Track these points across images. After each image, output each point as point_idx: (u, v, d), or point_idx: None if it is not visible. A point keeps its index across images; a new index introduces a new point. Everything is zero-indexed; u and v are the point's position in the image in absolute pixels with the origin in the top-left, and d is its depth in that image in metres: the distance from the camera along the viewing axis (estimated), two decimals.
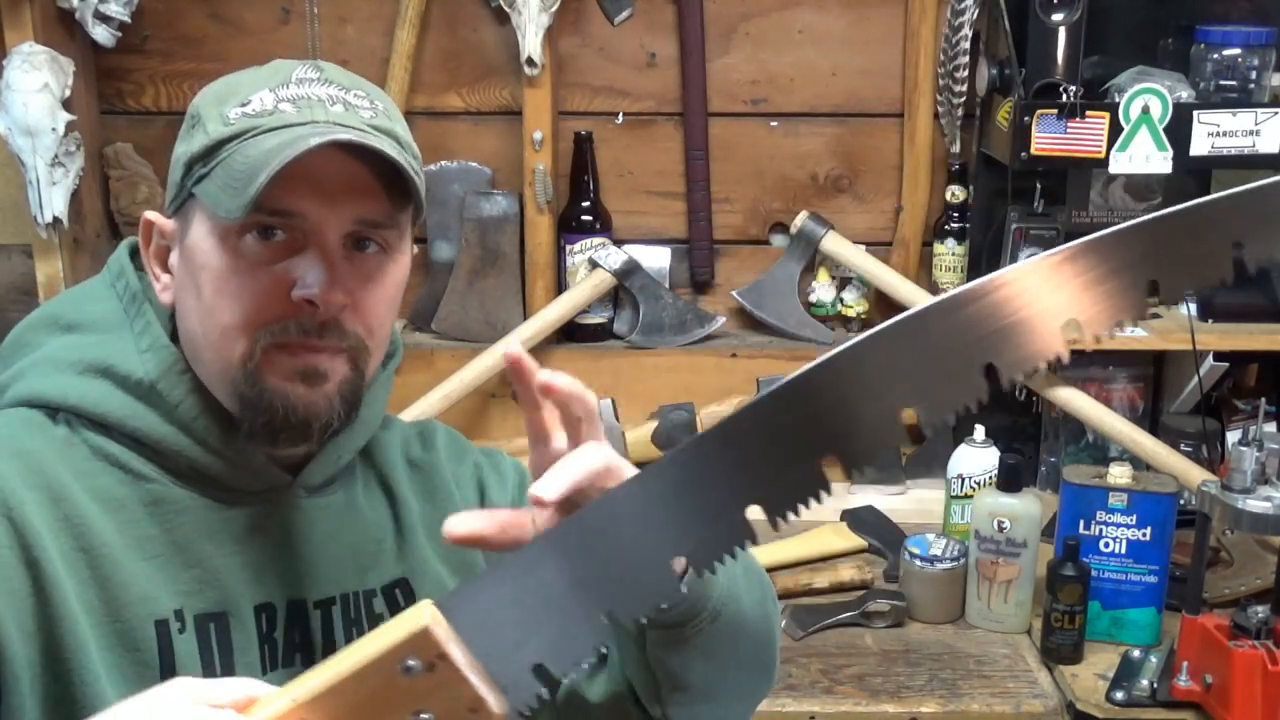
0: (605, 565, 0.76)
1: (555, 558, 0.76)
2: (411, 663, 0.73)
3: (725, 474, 0.79)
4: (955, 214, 2.20)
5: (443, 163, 2.21)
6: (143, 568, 0.97)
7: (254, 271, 0.97)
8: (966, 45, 2.08)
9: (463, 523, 0.87)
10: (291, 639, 1.04)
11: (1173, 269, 0.76)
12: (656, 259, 2.23)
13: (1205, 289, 0.81)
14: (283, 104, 0.97)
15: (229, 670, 1.00)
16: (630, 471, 0.86)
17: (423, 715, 0.74)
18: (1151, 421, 2.18)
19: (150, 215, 1.03)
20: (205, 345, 1.00)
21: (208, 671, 0.98)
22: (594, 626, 0.76)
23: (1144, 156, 1.90)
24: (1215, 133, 1.88)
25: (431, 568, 1.12)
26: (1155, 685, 1.63)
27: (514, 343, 1.11)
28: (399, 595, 1.10)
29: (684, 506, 0.78)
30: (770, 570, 1.93)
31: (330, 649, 1.05)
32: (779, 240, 2.26)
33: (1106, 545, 1.73)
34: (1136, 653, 1.71)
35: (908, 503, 2.17)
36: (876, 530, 2.05)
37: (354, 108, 0.99)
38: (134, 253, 1.08)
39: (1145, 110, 1.88)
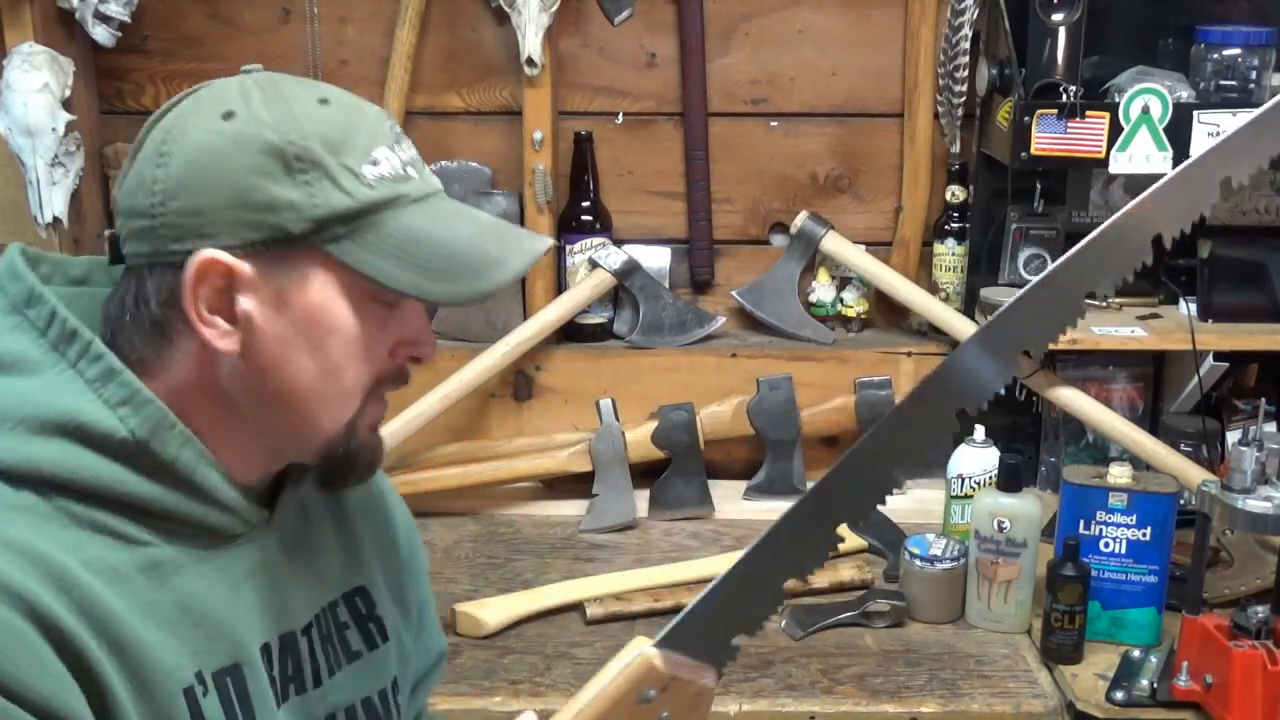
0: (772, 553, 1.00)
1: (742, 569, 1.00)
2: (650, 693, 0.96)
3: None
4: (955, 214, 2.20)
5: (443, 163, 2.21)
6: (158, 639, 0.93)
7: (380, 335, 1.00)
8: (966, 45, 2.08)
9: None
10: (285, 671, 1.05)
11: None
12: (656, 259, 2.23)
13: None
14: (408, 167, 0.98)
15: (250, 713, 0.99)
16: None
17: (663, 714, 0.97)
18: (1151, 421, 2.18)
19: (218, 255, 0.93)
20: (312, 403, 0.99)
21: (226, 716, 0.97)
22: (774, 596, 1.01)
23: (1144, 156, 1.90)
24: (1215, 133, 1.88)
25: (375, 574, 1.15)
26: (1155, 685, 1.63)
27: None
28: (359, 603, 1.12)
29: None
30: None
31: (316, 670, 1.07)
32: (779, 240, 2.26)
33: (1106, 545, 1.73)
34: (1136, 653, 1.71)
35: (908, 503, 2.16)
36: (876, 530, 2.05)
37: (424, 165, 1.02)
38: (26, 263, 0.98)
39: (1145, 110, 1.88)
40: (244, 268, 0.93)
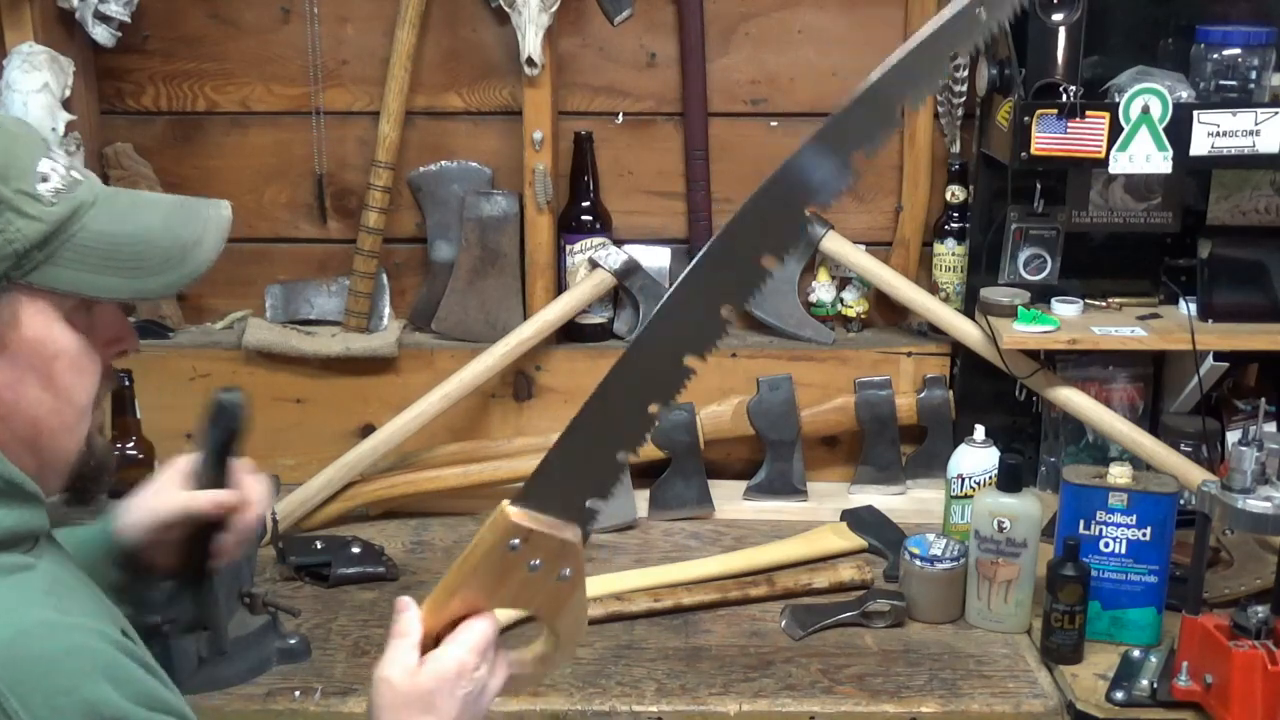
0: (607, 421, 1.12)
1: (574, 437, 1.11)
2: (514, 542, 1.07)
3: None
4: (955, 214, 2.20)
5: (443, 163, 2.21)
6: (105, 625, 0.97)
7: (91, 341, 1.00)
8: None
9: None
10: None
11: None
12: (656, 259, 2.23)
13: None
14: (72, 170, 0.99)
15: (167, 653, 1.08)
16: None
17: (533, 563, 1.09)
18: (1151, 421, 2.18)
19: None
20: (58, 432, 1.00)
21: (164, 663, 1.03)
22: (611, 466, 1.10)
23: (1144, 156, 1.90)
24: (1215, 133, 1.88)
25: None
26: (1155, 685, 1.63)
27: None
28: None
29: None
30: (770, 570, 1.94)
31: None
32: None
33: (1106, 545, 1.73)
34: (1136, 653, 1.71)
35: (908, 503, 2.17)
36: (876, 530, 2.06)
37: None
38: None
39: (1145, 110, 1.88)
40: None
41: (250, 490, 1.26)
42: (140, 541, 1.24)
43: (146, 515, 1.24)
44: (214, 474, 1.25)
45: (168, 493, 1.26)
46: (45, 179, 0.96)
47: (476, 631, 1.07)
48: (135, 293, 1.00)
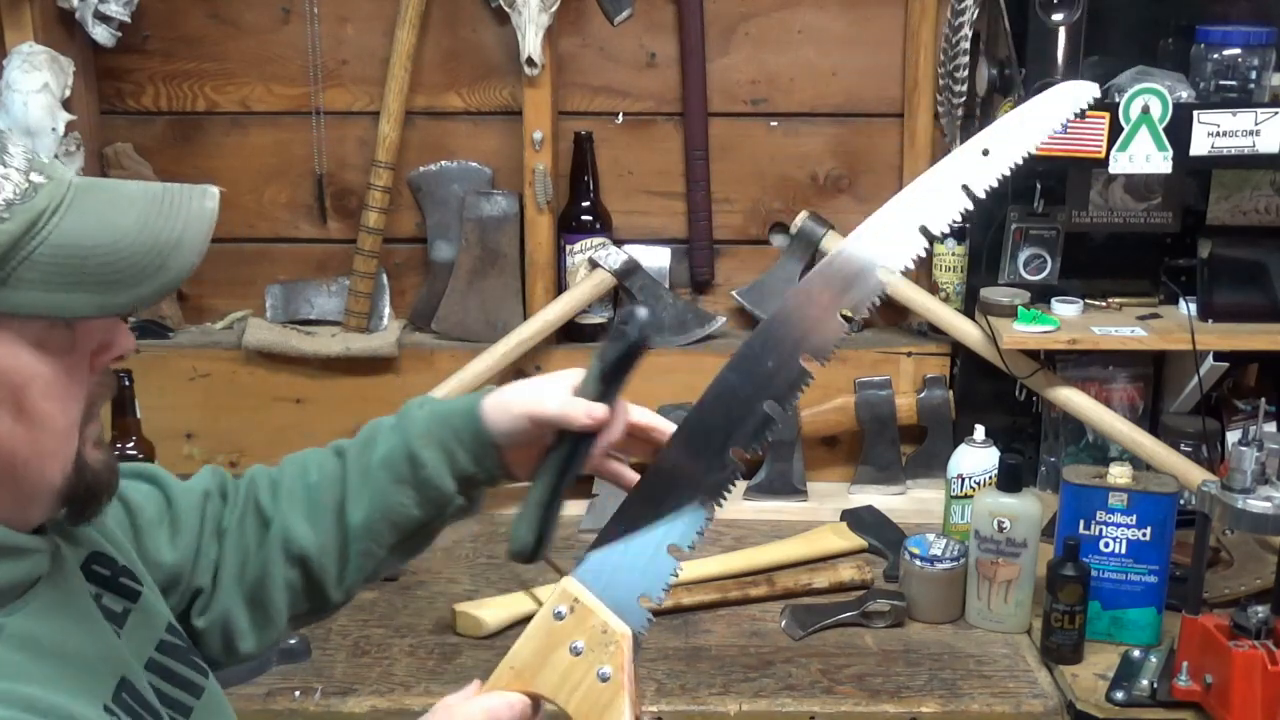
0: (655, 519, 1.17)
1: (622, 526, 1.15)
2: (560, 609, 1.09)
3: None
4: None
5: (443, 163, 2.21)
6: (67, 699, 0.89)
7: (73, 358, 0.91)
8: (966, 45, 2.08)
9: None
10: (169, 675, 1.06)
11: None
12: (656, 259, 2.23)
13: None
14: (31, 173, 0.88)
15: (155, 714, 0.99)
16: None
17: (575, 644, 1.10)
18: (1151, 421, 2.18)
19: None
20: (34, 461, 0.91)
21: None
22: (663, 566, 1.13)
23: (1144, 156, 1.90)
24: (1215, 133, 1.88)
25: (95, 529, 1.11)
26: (1155, 685, 1.63)
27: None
28: (99, 569, 1.08)
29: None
30: (770, 570, 1.94)
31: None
32: (779, 240, 2.26)
33: (1106, 545, 1.73)
34: (1136, 653, 1.71)
35: (908, 503, 2.17)
36: (876, 530, 2.05)
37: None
38: None
39: (1145, 110, 1.88)
40: None
41: (628, 415, 1.25)
42: (503, 433, 1.21)
43: (520, 408, 1.21)
44: (599, 389, 1.24)
45: (549, 392, 1.21)
46: None
47: (501, 700, 1.07)
48: (106, 308, 0.88)
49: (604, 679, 1.12)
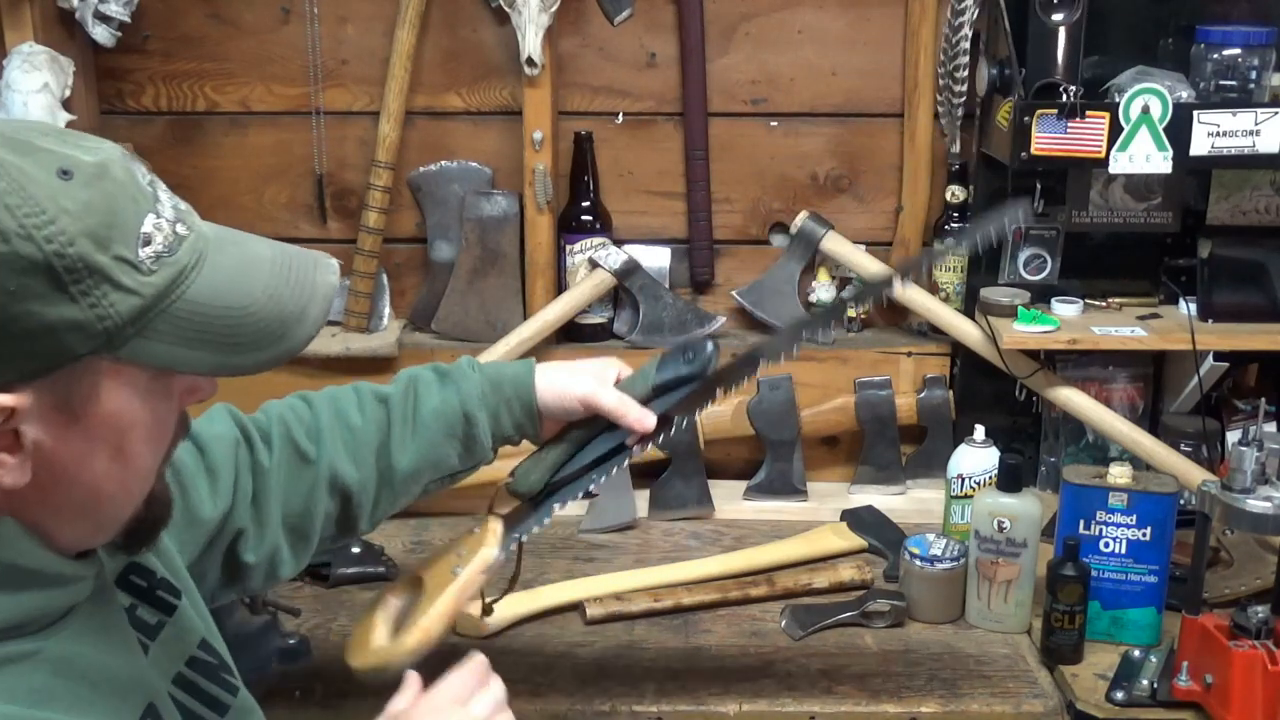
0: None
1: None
2: (475, 528, 1.39)
3: None
4: (955, 214, 2.20)
5: (443, 163, 2.21)
6: None
7: (169, 404, 0.94)
8: (966, 45, 2.08)
9: None
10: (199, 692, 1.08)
11: None
12: (656, 259, 2.23)
13: None
14: (177, 225, 0.89)
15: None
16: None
17: (460, 550, 1.35)
18: (1151, 421, 2.18)
19: (2, 399, 0.84)
20: (119, 498, 0.94)
21: None
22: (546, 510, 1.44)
23: (1144, 156, 1.90)
24: (1215, 133, 1.88)
25: None
26: (1155, 685, 1.63)
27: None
28: (135, 580, 1.10)
29: None
30: (770, 570, 1.94)
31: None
32: (779, 240, 2.26)
33: (1106, 545, 1.73)
34: (1136, 653, 1.71)
35: (908, 503, 2.17)
36: (876, 530, 2.06)
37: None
38: None
39: (1145, 110, 1.88)
40: (24, 401, 0.84)
41: (643, 424, 1.37)
42: (550, 409, 1.40)
43: (578, 393, 1.38)
44: (648, 396, 1.38)
45: (587, 375, 1.40)
46: (148, 241, 0.86)
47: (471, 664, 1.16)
48: (225, 369, 0.91)
49: (454, 574, 1.34)
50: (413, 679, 1.13)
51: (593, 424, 1.40)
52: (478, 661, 1.16)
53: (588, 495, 1.45)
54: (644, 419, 1.37)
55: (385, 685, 1.42)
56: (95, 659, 0.94)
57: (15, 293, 0.81)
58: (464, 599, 1.36)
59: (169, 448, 0.97)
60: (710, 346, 1.40)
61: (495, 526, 1.42)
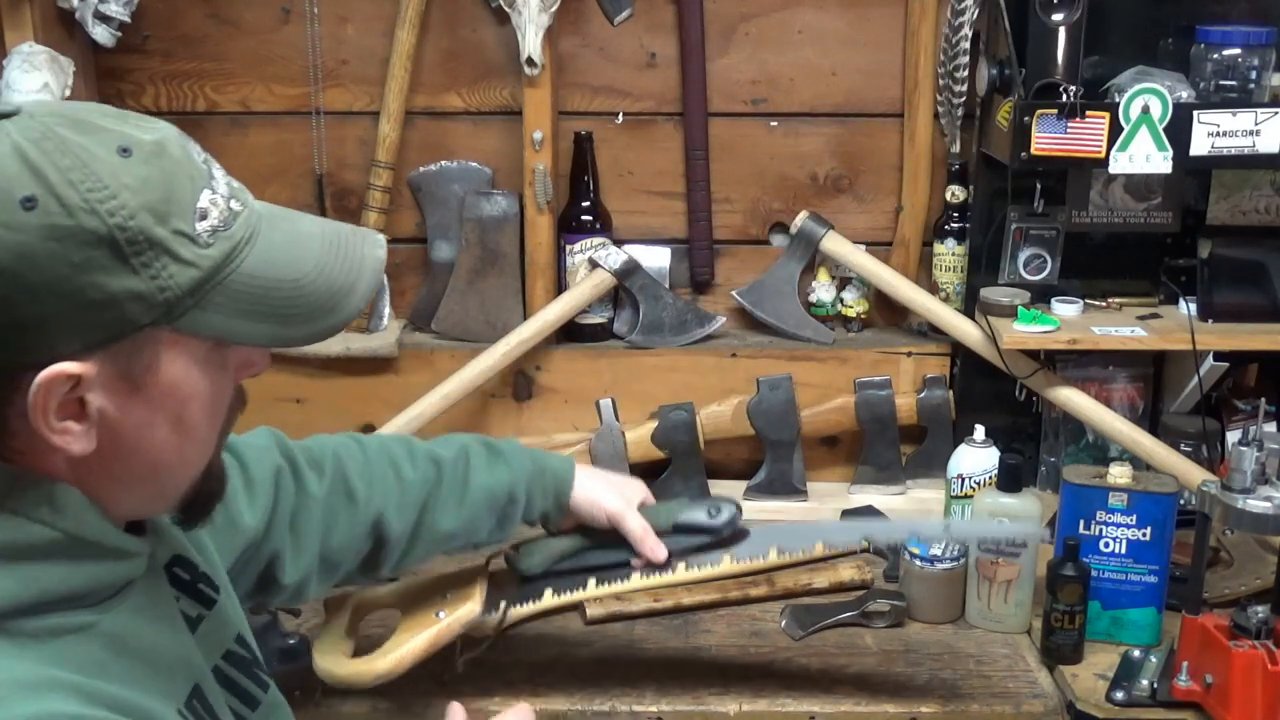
0: None
1: None
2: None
3: None
4: (955, 214, 2.20)
5: (443, 163, 2.21)
6: (147, 701, 0.92)
7: (225, 376, 0.97)
8: (966, 45, 2.08)
9: None
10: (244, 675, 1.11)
11: None
12: (656, 259, 2.23)
13: None
14: (231, 201, 0.93)
15: None
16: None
17: (447, 593, 1.53)
18: (1151, 421, 2.18)
19: (60, 369, 0.86)
20: (177, 469, 0.97)
21: None
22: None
23: (1144, 156, 1.90)
24: (1215, 133, 1.88)
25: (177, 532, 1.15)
26: (1155, 685, 1.63)
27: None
28: (181, 572, 1.12)
29: None
30: (770, 570, 1.94)
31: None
32: (779, 240, 2.26)
33: (1106, 545, 1.73)
34: (1136, 653, 1.71)
35: (908, 503, 2.17)
36: None
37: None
38: None
39: (1145, 110, 1.88)
40: (89, 369, 0.87)
41: (655, 555, 1.52)
42: (579, 512, 1.52)
43: (608, 508, 1.51)
44: (661, 524, 1.52)
45: (618, 493, 1.54)
46: (204, 215, 0.90)
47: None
48: (279, 340, 0.95)
49: (437, 617, 1.50)
50: (457, 711, 1.20)
51: (606, 533, 1.53)
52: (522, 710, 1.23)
53: (570, 593, 1.58)
54: (657, 551, 1.51)
55: (378, 688, 1.51)
56: (147, 637, 0.96)
57: (80, 264, 0.84)
58: (439, 644, 1.49)
59: (226, 421, 1.00)
60: (734, 511, 1.54)
61: (483, 585, 1.55)
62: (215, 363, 0.95)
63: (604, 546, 1.53)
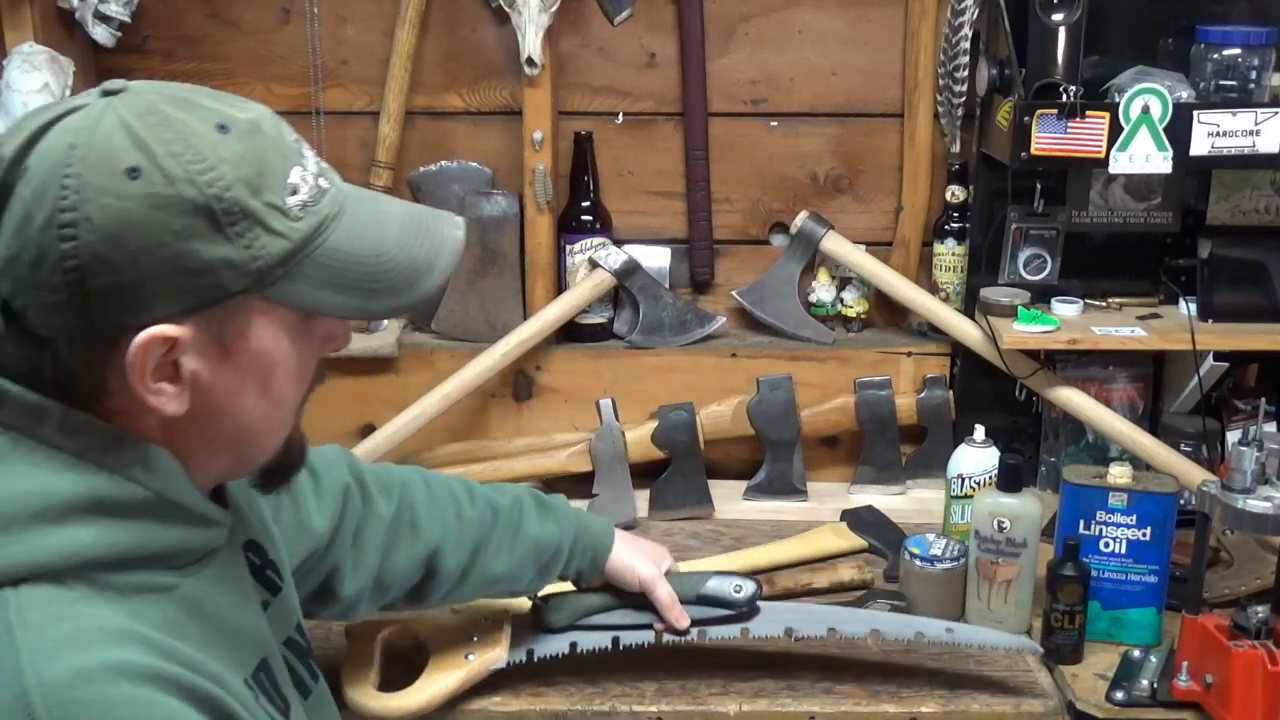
0: None
1: None
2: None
3: None
4: (955, 214, 2.20)
5: (443, 163, 2.21)
6: (219, 668, 0.95)
7: (309, 347, 1.02)
8: (966, 45, 2.08)
9: None
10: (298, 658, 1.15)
11: None
12: (656, 259, 2.23)
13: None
14: (320, 179, 0.98)
15: (283, 704, 1.05)
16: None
17: (474, 635, 1.60)
18: (1151, 421, 2.18)
19: (158, 331, 0.91)
20: (263, 435, 1.02)
21: (275, 713, 1.02)
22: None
23: (1144, 156, 1.90)
24: (1215, 133, 1.88)
25: (252, 521, 1.19)
26: (1155, 685, 1.63)
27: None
28: (253, 556, 1.15)
29: None
30: (770, 570, 1.94)
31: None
32: (779, 240, 2.26)
33: (1106, 545, 1.73)
34: (1136, 653, 1.71)
35: (908, 503, 2.17)
36: (876, 530, 2.05)
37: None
38: None
39: (1145, 110, 1.88)
40: (185, 333, 0.92)
41: (679, 623, 1.61)
42: (613, 575, 1.61)
43: (640, 574, 1.61)
44: (686, 593, 1.61)
45: (651, 561, 1.62)
46: (295, 190, 0.95)
47: None
48: (362, 312, 1.00)
49: (466, 659, 1.57)
50: None
51: (633, 594, 1.62)
52: None
53: (593, 649, 1.64)
54: (681, 619, 1.60)
55: None
56: (223, 606, 1.00)
57: (179, 232, 0.89)
58: (467, 685, 1.57)
59: (308, 391, 1.05)
60: (756, 590, 1.64)
61: (509, 630, 1.63)
62: (301, 334, 0.99)
63: (629, 607, 1.63)
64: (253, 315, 0.95)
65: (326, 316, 1.01)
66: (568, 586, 1.67)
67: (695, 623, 1.62)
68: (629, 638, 1.62)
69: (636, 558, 1.62)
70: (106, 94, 0.92)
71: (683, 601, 1.62)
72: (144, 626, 0.90)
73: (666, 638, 1.62)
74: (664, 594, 1.60)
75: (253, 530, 1.16)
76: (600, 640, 1.62)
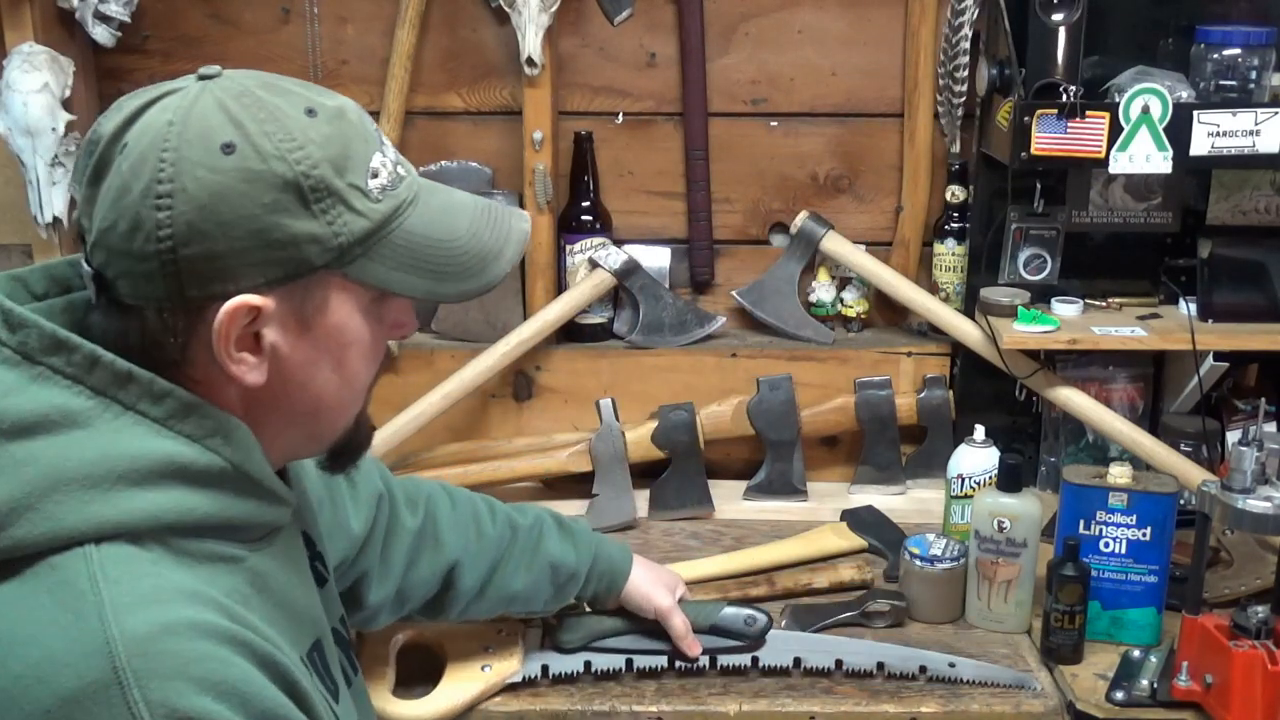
0: None
1: None
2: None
3: None
4: (955, 214, 2.20)
5: (443, 163, 2.21)
6: (280, 641, 0.98)
7: (380, 329, 1.06)
8: (966, 45, 2.08)
9: None
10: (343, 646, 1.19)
11: None
12: (656, 259, 2.23)
13: None
14: (398, 166, 1.03)
15: (333, 687, 1.09)
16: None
17: (489, 645, 1.63)
18: (1151, 421, 2.18)
19: (244, 300, 0.95)
20: (335, 411, 1.06)
21: (325, 695, 1.05)
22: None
23: (1144, 156, 1.90)
24: (1215, 133, 1.88)
25: (304, 513, 1.22)
26: (1155, 685, 1.63)
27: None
28: (303, 545, 1.17)
29: None
30: (770, 570, 1.94)
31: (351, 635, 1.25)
32: (779, 240, 2.26)
33: (1106, 545, 1.73)
34: (1136, 653, 1.71)
35: (908, 503, 2.17)
36: (876, 530, 2.06)
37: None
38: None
39: (1145, 110, 1.88)
40: (268, 304, 0.97)
41: (691, 651, 1.64)
42: (629, 601, 1.63)
43: (656, 603, 1.63)
44: (699, 622, 1.65)
45: (667, 590, 1.65)
46: (375, 174, 1.00)
47: None
48: (434, 295, 1.04)
49: (483, 670, 1.60)
50: None
51: (646, 620, 1.65)
52: None
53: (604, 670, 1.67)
54: (694, 647, 1.64)
55: None
56: (284, 583, 1.04)
57: (269, 205, 0.94)
58: (483, 697, 1.60)
59: (377, 372, 1.09)
60: (767, 623, 1.67)
61: (523, 644, 1.66)
62: (374, 315, 1.03)
63: (641, 633, 1.66)
64: (331, 291, 0.99)
65: (398, 300, 1.05)
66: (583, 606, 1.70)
67: (706, 650, 1.65)
68: (642, 661, 1.65)
69: (654, 587, 1.65)
70: (203, 78, 0.97)
71: (695, 630, 1.65)
72: (217, 592, 0.93)
73: (678, 663, 1.65)
74: (679, 624, 1.63)
75: (307, 522, 1.20)
76: (614, 661, 1.65)
